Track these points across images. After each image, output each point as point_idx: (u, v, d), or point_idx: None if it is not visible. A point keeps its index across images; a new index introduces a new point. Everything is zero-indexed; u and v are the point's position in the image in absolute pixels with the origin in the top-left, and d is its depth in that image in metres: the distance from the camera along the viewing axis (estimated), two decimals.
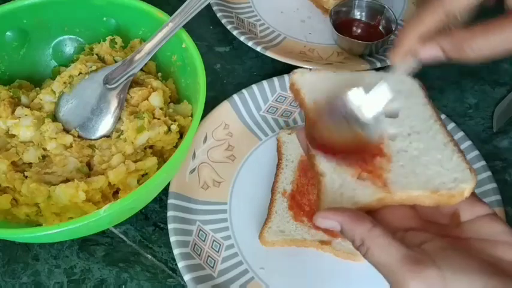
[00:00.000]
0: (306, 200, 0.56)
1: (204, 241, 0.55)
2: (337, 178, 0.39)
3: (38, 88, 0.60)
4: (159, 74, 0.61)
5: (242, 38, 0.72)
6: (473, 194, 0.38)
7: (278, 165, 0.59)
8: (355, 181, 0.39)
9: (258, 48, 0.70)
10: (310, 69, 0.47)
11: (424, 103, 0.44)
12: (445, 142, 0.41)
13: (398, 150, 0.41)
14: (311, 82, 0.45)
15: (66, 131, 0.55)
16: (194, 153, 0.60)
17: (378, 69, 0.48)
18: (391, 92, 0.42)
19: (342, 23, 0.74)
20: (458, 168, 0.39)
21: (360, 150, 0.40)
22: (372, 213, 0.37)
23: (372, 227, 0.35)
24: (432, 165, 0.39)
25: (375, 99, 0.41)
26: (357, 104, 0.41)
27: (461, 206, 0.38)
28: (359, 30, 0.74)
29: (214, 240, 0.55)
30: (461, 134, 0.61)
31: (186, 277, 0.51)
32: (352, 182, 0.39)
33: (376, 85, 0.41)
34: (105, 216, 0.44)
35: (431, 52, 0.40)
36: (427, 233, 0.36)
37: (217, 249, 0.54)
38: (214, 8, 0.76)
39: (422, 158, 0.40)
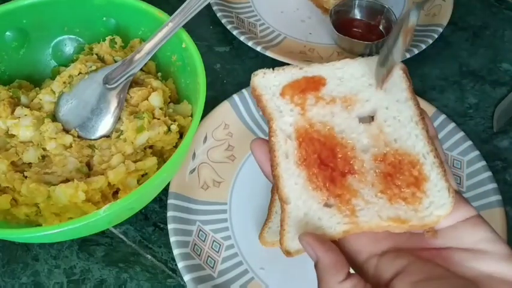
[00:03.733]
0: None
1: (204, 241, 0.55)
2: (302, 206, 0.34)
3: (37, 88, 0.60)
4: (159, 74, 0.61)
5: (242, 38, 0.71)
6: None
7: None
8: (321, 209, 0.34)
9: (258, 48, 0.70)
10: (273, 68, 0.40)
11: (406, 98, 0.36)
12: (427, 151, 0.34)
13: (371, 167, 0.35)
14: (274, 85, 0.38)
15: (66, 131, 0.55)
16: (194, 153, 0.60)
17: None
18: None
19: (342, 23, 0.74)
20: (435, 189, 0.33)
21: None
22: (344, 238, 0.35)
23: (343, 280, 0.32)
24: None
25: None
26: None
27: None
28: (359, 30, 0.74)
29: (214, 241, 0.55)
30: (461, 134, 0.61)
31: (186, 277, 0.51)
32: (317, 211, 0.34)
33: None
34: (105, 216, 0.43)
35: None
36: (404, 255, 0.34)
37: (217, 250, 0.54)
38: (214, 8, 0.76)
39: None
